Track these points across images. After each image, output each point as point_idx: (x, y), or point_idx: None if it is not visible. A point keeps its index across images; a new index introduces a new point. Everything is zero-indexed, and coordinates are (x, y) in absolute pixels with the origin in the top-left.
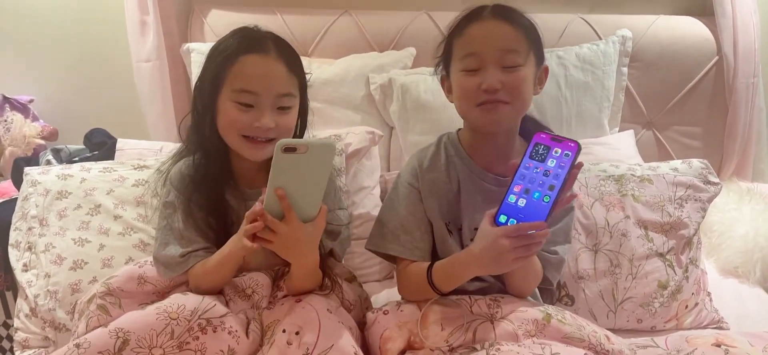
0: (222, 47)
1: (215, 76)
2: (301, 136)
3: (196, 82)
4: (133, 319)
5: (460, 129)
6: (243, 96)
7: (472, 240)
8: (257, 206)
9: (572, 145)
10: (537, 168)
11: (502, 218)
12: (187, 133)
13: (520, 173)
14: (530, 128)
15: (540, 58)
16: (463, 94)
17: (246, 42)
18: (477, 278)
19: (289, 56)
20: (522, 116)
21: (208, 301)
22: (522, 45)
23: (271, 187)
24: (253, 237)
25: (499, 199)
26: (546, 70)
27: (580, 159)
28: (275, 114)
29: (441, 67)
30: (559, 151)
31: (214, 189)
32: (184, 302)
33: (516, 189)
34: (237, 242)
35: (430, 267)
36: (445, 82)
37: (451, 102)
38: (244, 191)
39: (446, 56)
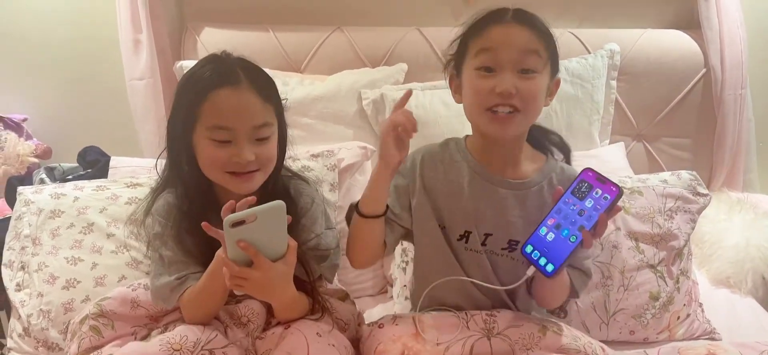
0: (192, 82)
1: (187, 113)
2: (281, 162)
3: (169, 119)
4: (136, 351)
5: (467, 136)
6: (218, 133)
7: (483, 245)
8: (222, 254)
9: (613, 189)
10: (574, 205)
11: (529, 249)
12: (165, 169)
13: (558, 207)
14: (536, 135)
15: (555, 68)
16: (475, 95)
17: (216, 76)
18: (478, 298)
19: (262, 84)
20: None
21: (210, 332)
22: (542, 50)
23: (231, 243)
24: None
25: (512, 205)
26: (558, 82)
27: (620, 203)
28: (254, 146)
29: (452, 66)
30: (600, 192)
31: (201, 220)
32: (186, 333)
33: (549, 222)
34: (219, 261)
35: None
36: (454, 81)
37: (459, 103)
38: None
39: (459, 55)
